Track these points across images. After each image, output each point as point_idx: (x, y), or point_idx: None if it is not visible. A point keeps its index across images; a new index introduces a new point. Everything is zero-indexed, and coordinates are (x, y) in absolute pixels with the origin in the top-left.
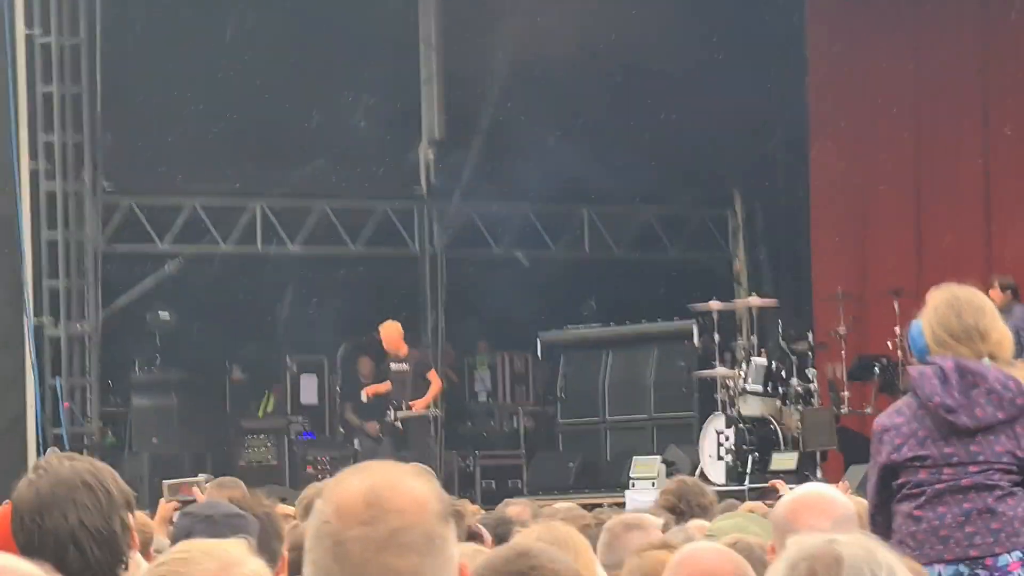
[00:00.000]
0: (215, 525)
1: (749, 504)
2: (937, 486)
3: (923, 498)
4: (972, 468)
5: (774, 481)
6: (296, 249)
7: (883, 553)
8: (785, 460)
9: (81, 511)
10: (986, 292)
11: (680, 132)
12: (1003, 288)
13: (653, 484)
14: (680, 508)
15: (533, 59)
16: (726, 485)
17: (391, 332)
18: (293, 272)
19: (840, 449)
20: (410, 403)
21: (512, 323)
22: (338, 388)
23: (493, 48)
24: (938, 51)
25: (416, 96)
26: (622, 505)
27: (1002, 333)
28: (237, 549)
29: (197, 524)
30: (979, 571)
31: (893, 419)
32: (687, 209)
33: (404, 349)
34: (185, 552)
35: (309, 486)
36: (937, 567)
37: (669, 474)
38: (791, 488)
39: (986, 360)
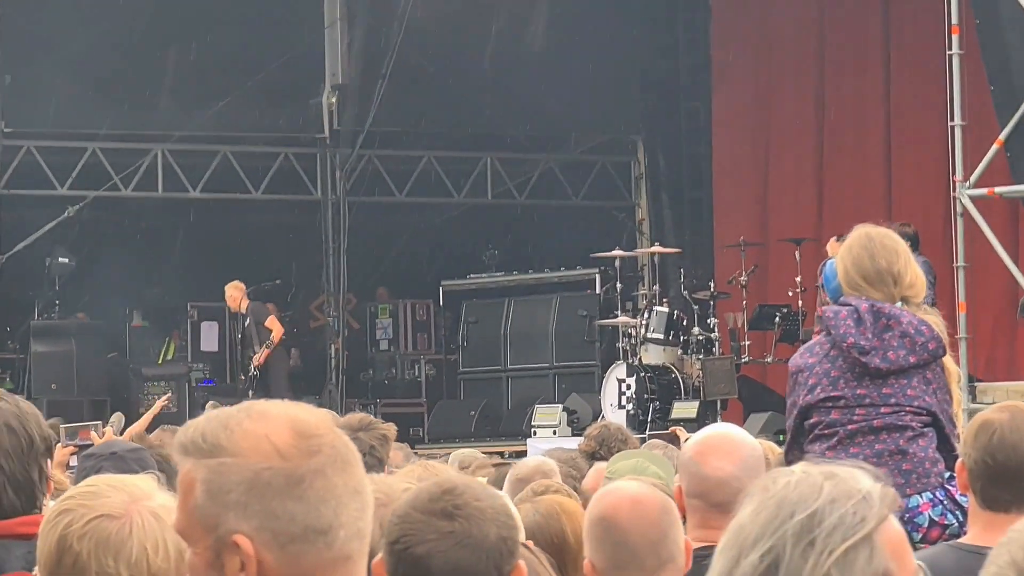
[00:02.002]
0: (122, 461)
1: (648, 443)
2: (849, 427)
3: (835, 439)
4: (884, 409)
5: (674, 428)
6: (197, 194)
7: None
8: (686, 408)
9: (3, 456)
10: None
11: (583, 80)
12: (902, 237)
13: (554, 432)
14: (601, 454)
15: (436, 5)
16: (631, 432)
17: (228, 293)
18: (194, 218)
19: (740, 398)
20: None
21: (414, 271)
22: (239, 335)
23: None
24: (841, 0)
25: (320, 41)
26: (523, 453)
27: (915, 276)
28: (145, 483)
29: (104, 462)
30: None
31: (806, 359)
32: (590, 157)
33: (244, 304)
34: (92, 486)
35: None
36: None
37: (570, 422)
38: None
39: (899, 304)
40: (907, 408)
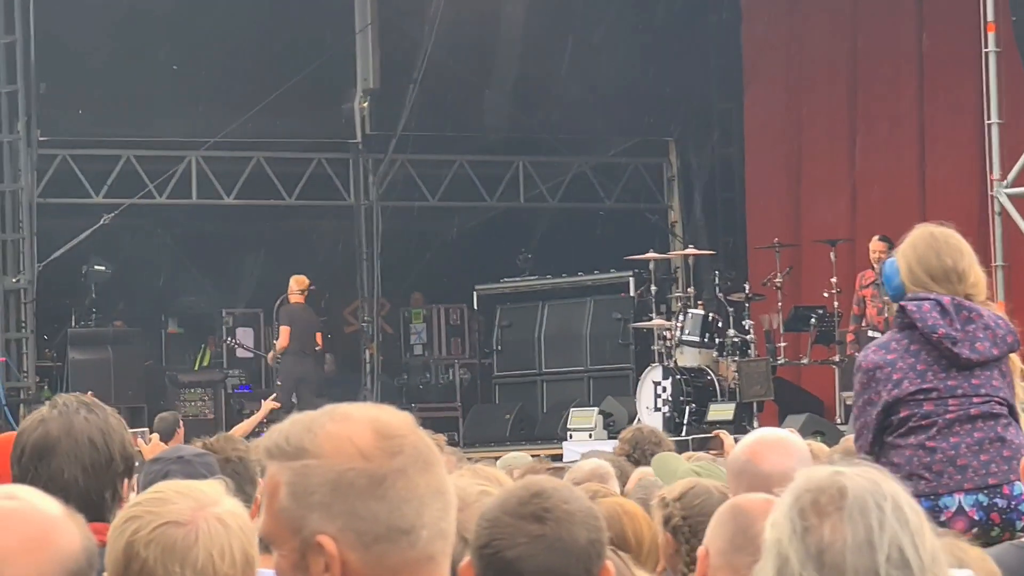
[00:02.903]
0: (189, 465)
1: (687, 454)
2: (947, 416)
3: (934, 429)
4: (976, 399)
5: (718, 431)
6: (231, 201)
7: (888, 484)
8: (722, 411)
9: (80, 471)
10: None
11: (615, 82)
12: None
13: (590, 435)
14: (635, 457)
15: (468, 8)
16: (665, 435)
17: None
18: (228, 224)
19: (776, 400)
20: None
21: (448, 275)
22: (274, 341)
23: None
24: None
25: (351, 46)
26: (559, 457)
27: (978, 275)
28: (212, 489)
29: (171, 466)
30: (997, 500)
31: (884, 356)
32: (622, 159)
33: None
34: (159, 492)
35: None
36: (957, 496)
37: (606, 425)
38: (735, 438)
39: None
40: (995, 399)
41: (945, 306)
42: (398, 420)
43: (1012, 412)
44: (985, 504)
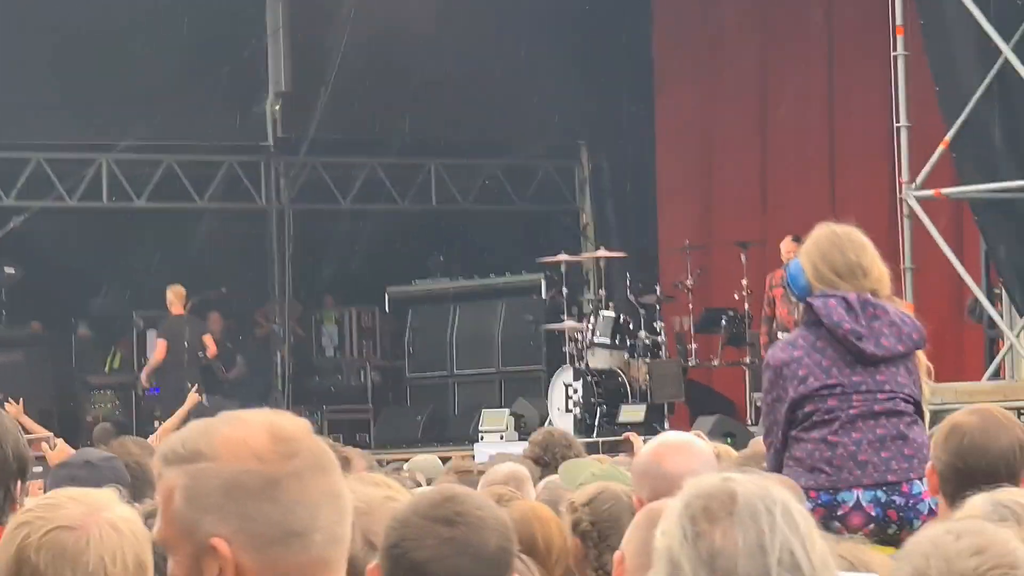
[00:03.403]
0: (96, 470)
1: (595, 457)
2: (850, 411)
3: (837, 424)
4: (880, 395)
5: (628, 433)
6: (142, 204)
7: (777, 490)
8: (633, 412)
9: None
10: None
11: (526, 84)
12: None
13: (501, 437)
14: (545, 459)
15: (380, 12)
16: (576, 438)
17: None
18: (140, 227)
19: (687, 401)
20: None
21: (359, 277)
22: (185, 344)
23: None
24: (784, 2)
25: (262, 48)
26: (471, 459)
27: (882, 271)
28: (105, 495)
29: (78, 471)
30: (896, 497)
31: (791, 353)
32: (534, 162)
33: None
34: (51, 498)
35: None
36: (855, 491)
37: (517, 427)
38: (645, 439)
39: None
40: (900, 395)
41: (851, 302)
42: (294, 425)
43: (918, 409)
44: (883, 501)
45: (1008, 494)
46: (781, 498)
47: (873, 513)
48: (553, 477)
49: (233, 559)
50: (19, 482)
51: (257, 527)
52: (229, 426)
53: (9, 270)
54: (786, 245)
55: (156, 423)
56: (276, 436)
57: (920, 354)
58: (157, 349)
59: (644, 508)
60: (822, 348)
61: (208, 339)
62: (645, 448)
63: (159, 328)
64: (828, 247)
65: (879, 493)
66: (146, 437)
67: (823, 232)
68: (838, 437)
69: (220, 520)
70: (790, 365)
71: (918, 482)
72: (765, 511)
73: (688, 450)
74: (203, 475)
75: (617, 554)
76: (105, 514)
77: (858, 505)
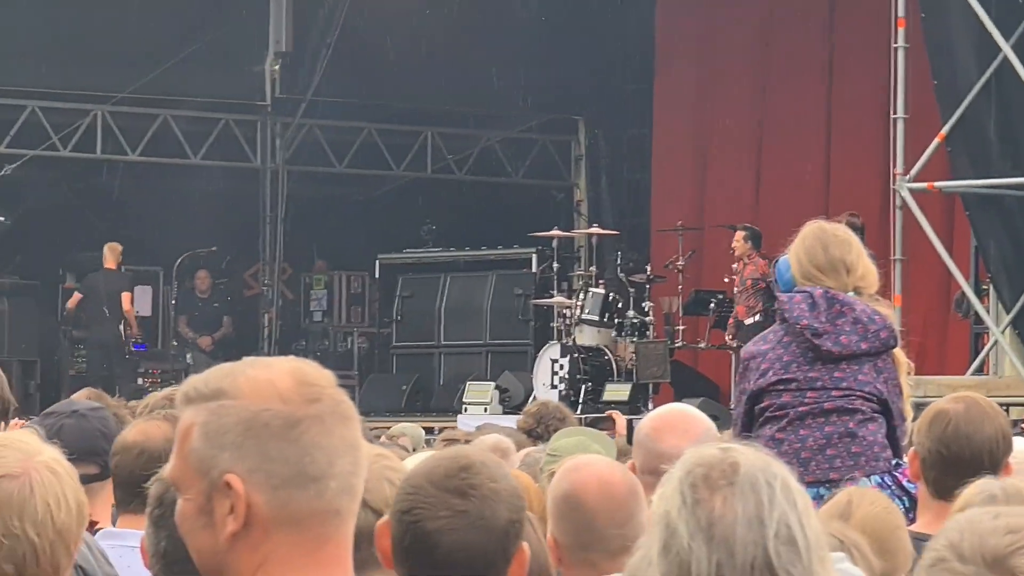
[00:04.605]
0: (84, 419)
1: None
2: (800, 408)
3: (785, 420)
4: (835, 393)
5: (611, 411)
6: (135, 157)
7: (777, 465)
8: (618, 391)
9: None
10: None
11: (527, 58)
12: (852, 228)
13: (485, 410)
14: (538, 431)
15: None
16: (570, 411)
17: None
18: (132, 180)
19: (672, 382)
20: None
21: (350, 243)
22: (172, 300)
23: None
24: None
25: (264, 7)
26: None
27: (867, 268)
28: (31, 439)
29: (65, 420)
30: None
31: (759, 346)
32: (531, 135)
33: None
34: None
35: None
36: None
37: (502, 400)
38: (628, 420)
39: (851, 293)
40: (858, 393)
41: (816, 299)
42: (319, 372)
43: (885, 407)
44: (825, 498)
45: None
46: (781, 473)
47: None
48: (533, 448)
49: (245, 497)
50: (3, 423)
51: (274, 467)
52: (254, 368)
53: None
54: (737, 239)
55: (139, 380)
56: (300, 380)
57: (898, 352)
58: (71, 299)
59: (554, 488)
60: (787, 343)
61: (126, 296)
62: (647, 417)
63: (81, 281)
64: (812, 243)
65: (821, 490)
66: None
67: (811, 228)
68: (784, 434)
69: (237, 458)
70: (756, 358)
71: (864, 480)
72: (765, 484)
73: (687, 426)
74: (223, 412)
75: (549, 538)
76: (40, 458)
77: None
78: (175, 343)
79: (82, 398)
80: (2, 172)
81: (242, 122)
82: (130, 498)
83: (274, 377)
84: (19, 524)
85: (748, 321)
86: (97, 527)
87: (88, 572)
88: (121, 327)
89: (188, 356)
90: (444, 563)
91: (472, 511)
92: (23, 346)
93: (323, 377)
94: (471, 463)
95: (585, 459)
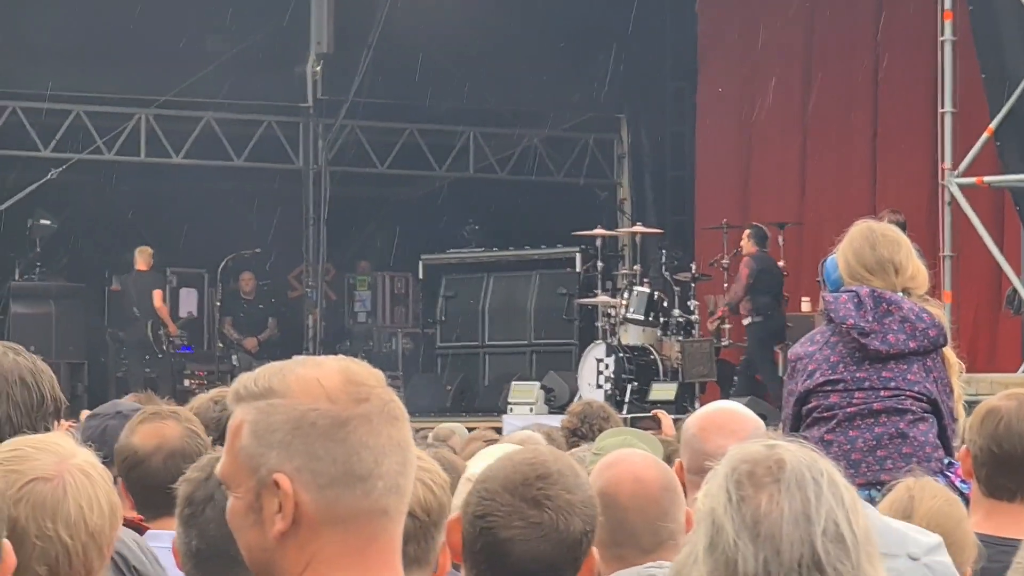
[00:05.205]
0: (128, 420)
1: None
2: (848, 409)
3: (834, 422)
4: (884, 393)
5: (656, 411)
6: (179, 160)
7: (824, 461)
8: (664, 390)
9: (12, 407)
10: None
11: (568, 56)
12: (893, 224)
13: (531, 410)
14: (582, 431)
15: None
16: (615, 411)
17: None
18: (176, 183)
19: (719, 381)
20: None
21: (394, 243)
22: (217, 302)
23: None
24: None
25: (305, 9)
26: (499, 430)
27: (916, 268)
28: (66, 441)
29: (109, 421)
30: None
31: (806, 347)
32: (573, 134)
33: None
34: (17, 449)
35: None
36: None
37: (547, 400)
38: (675, 419)
39: (900, 294)
40: (907, 392)
41: (862, 298)
42: (368, 372)
43: (935, 407)
44: (876, 500)
45: None
46: (827, 469)
47: None
48: (578, 448)
49: (293, 496)
50: (55, 422)
51: (321, 466)
52: (303, 367)
53: (45, 222)
54: (744, 238)
55: (185, 381)
56: (349, 379)
57: (948, 351)
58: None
59: (596, 491)
60: (834, 344)
61: (157, 294)
62: (693, 416)
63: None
64: (860, 243)
65: (872, 492)
66: (175, 394)
67: (859, 228)
68: (833, 435)
69: (285, 456)
70: (803, 359)
71: None
72: (812, 480)
73: (735, 426)
74: (272, 411)
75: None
76: (74, 460)
77: None
78: (220, 345)
79: (131, 401)
80: (48, 176)
81: (284, 124)
82: (157, 500)
83: (323, 376)
84: (52, 526)
85: (747, 322)
86: (146, 528)
87: (142, 573)
88: (148, 327)
89: (234, 358)
90: (514, 570)
91: (546, 523)
92: (70, 348)
93: (372, 376)
94: (548, 472)
95: (620, 454)
